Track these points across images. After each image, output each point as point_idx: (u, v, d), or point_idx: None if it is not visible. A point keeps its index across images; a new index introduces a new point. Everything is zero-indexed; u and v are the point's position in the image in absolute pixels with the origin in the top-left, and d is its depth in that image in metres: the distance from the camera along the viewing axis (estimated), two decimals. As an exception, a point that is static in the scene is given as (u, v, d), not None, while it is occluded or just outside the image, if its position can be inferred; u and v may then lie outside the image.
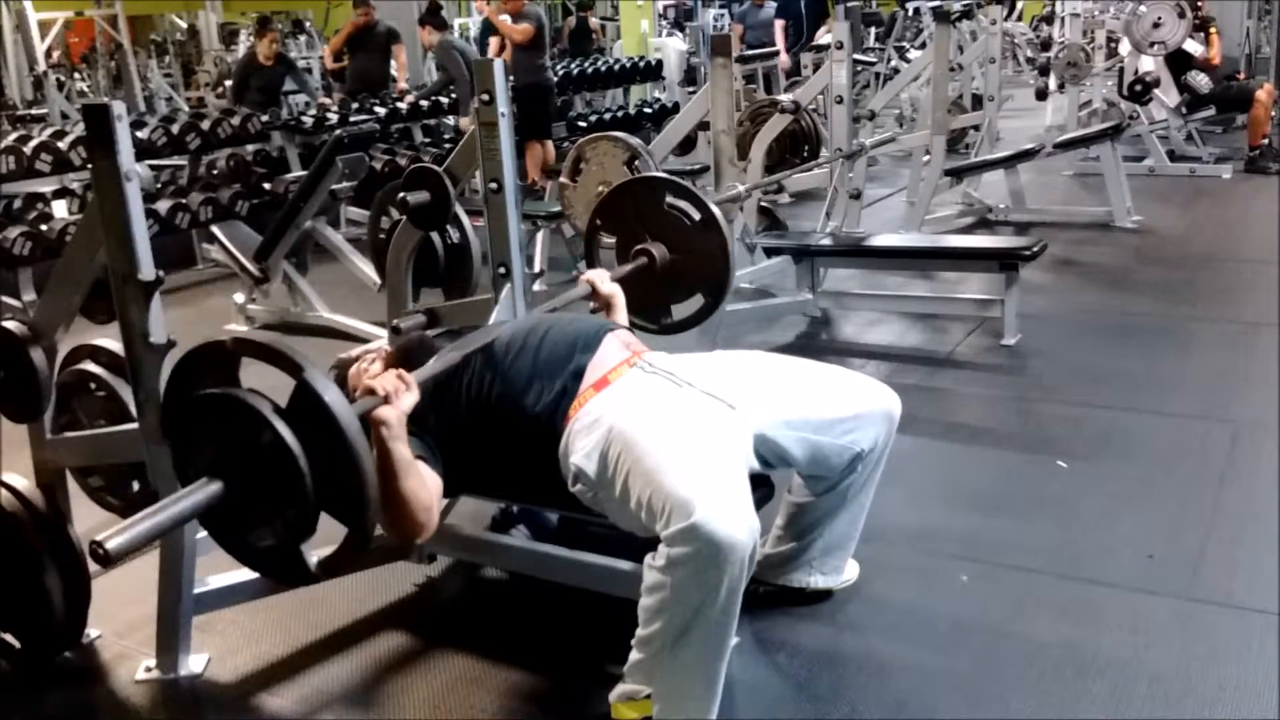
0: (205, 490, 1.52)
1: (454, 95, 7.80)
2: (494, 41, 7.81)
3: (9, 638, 2.30)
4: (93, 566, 2.29)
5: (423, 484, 1.81)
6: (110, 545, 1.41)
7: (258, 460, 1.51)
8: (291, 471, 1.49)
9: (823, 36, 8.47)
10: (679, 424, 1.89)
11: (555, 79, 8.01)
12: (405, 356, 2.16)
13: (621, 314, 2.39)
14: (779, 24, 9.31)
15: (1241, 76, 7.92)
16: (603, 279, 2.42)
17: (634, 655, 1.82)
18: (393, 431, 1.74)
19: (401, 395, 1.76)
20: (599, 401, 1.95)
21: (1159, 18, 6.71)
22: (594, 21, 13.13)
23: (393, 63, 8.38)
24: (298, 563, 1.59)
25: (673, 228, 2.63)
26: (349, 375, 2.16)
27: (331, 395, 1.52)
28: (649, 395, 1.97)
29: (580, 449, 1.91)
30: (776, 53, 9.10)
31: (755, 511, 1.76)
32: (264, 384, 1.59)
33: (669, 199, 2.63)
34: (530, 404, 1.98)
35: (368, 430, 1.67)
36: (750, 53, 8.64)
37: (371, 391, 1.75)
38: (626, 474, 1.82)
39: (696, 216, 2.61)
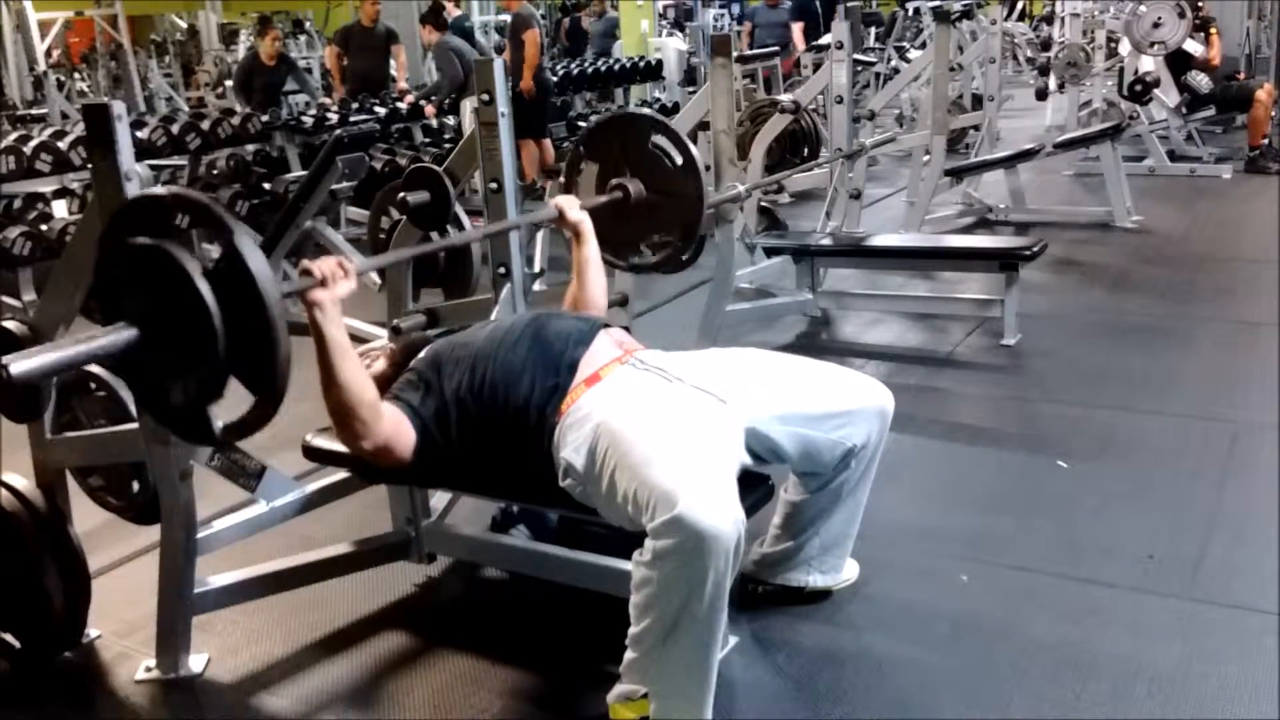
0: (120, 334, 1.56)
1: (452, 95, 7.81)
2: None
3: (9, 638, 2.30)
4: (93, 566, 2.31)
5: (361, 372, 1.85)
6: (13, 368, 1.44)
7: (174, 314, 1.54)
8: (205, 328, 1.52)
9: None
10: (666, 418, 1.89)
11: (554, 79, 8.01)
12: (408, 355, 2.16)
13: (590, 243, 2.38)
14: (797, 27, 9.23)
15: (1241, 76, 7.92)
16: (571, 205, 2.40)
17: (628, 654, 1.82)
18: (326, 314, 1.77)
19: (338, 280, 1.79)
20: (590, 397, 1.95)
21: (1159, 18, 6.71)
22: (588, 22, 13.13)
23: (392, 63, 8.40)
24: (204, 423, 1.62)
25: (653, 167, 2.61)
26: None
27: (256, 261, 1.53)
28: (639, 391, 1.97)
29: (570, 443, 1.91)
30: (776, 53, 9.09)
31: (747, 508, 1.76)
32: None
33: (654, 138, 2.61)
34: (523, 398, 1.98)
35: None
36: (750, 53, 8.63)
37: (308, 273, 1.77)
38: (613, 468, 1.83)
39: (678, 160, 2.59)
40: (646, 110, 2.94)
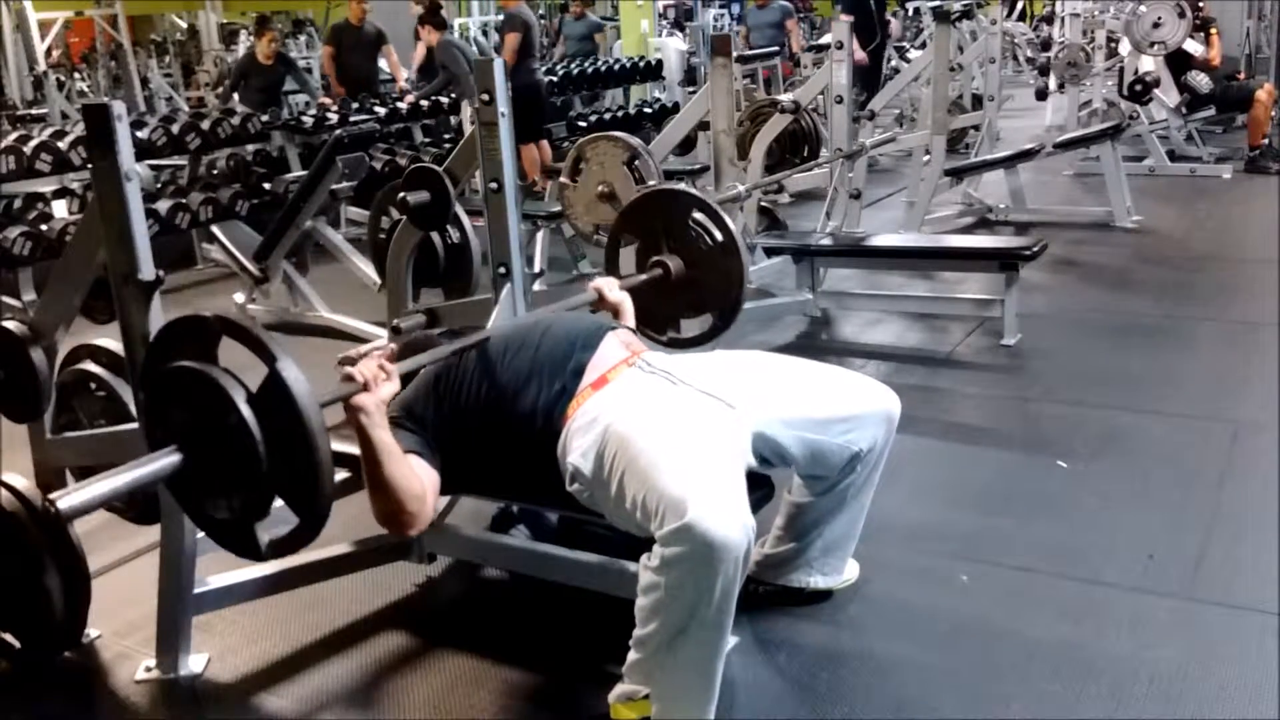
0: (165, 460, 1.58)
1: (454, 94, 7.80)
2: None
3: (9, 638, 2.29)
4: (93, 566, 2.31)
5: (410, 472, 1.82)
6: (62, 505, 1.44)
7: (220, 440, 1.56)
8: (249, 456, 1.54)
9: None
10: (675, 423, 1.89)
11: (545, 80, 7.99)
12: (409, 354, 2.16)
13: (628, 323, 2.38)
14: (846, 19, 9.03)
15: (1241, 76, 7.92)
16: (611, 287, 2.41)
17: (632, 655, 1.82)
18: (371, 419, 1.75)
19: (380, 383, 1.77)
20: (597, 401, 1.95)
21: (1159, 18, 6.71)
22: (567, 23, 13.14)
23: (383, 63, 8.38)
24: (250, 539, 1.64)
25: (693, 244, 2.63)
26: None
27: (299, 387, 1.54)
28: (646, 395, 1.97)
29: (577, 448, 1.91)
30: (777, 53, 9.08)
31: (751, 510, 1.75)
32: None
33: (695, 214, 2.63)
34: (529, 402, 1.98)
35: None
36: (750, 53, 8.63)
37: (350, 379, 1.76)
38: (622, 474, 1.82)
39: (719, 237, 2.61)
40: (685, 187, 2.95)
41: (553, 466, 1.96)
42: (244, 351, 1.59)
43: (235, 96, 7.93)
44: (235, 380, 1.56)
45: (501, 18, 7.89)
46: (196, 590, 2.21)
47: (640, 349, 2.12)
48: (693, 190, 2.85)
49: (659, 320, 2.69)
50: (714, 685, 1.81)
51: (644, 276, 2.59)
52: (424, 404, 2.02)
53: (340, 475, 2.43)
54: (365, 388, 1.75)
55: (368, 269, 4.72)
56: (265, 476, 1.55)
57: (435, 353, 2.01)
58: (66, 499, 1.44)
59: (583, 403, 1.96)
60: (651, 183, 3.70)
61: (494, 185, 2.50)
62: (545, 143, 7.24)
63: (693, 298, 2.67)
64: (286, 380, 1.54)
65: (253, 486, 1.57)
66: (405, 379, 1.98)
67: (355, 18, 7.99)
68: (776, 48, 9.15)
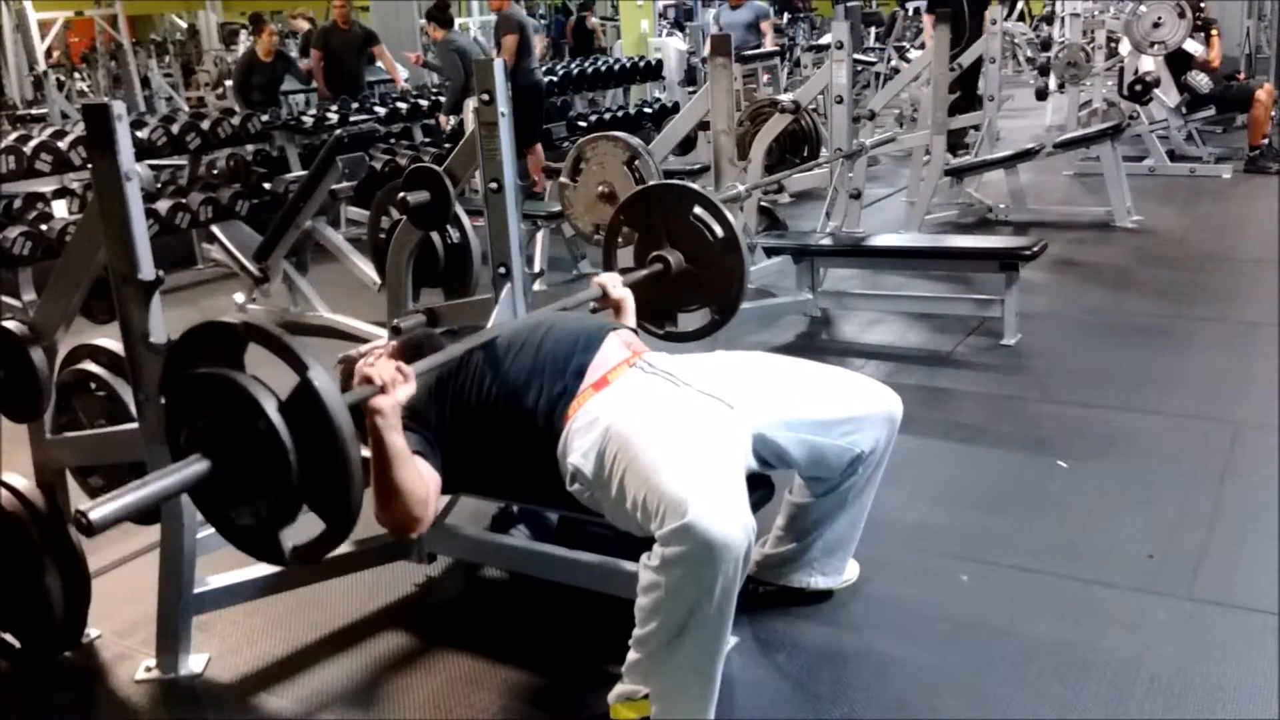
0: (193, 468, 1.56)
1: (438, 94, 7.79)
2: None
3: (9, 638, 2.30)
4: (93, 566, 2.31)
5: (418, 476, 1.82)
6: (94, 516, 1.43)
7: (249, 448, 1.54)
8: (280, 464, 1.52)
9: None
10: (675, 423, 1.89)
11: (544, 81, 7.98)
12: (410, 352, 2.16)
13: (629, 318, 2.40)
14: (928, 18, 8.50)
15: (1241, 76, 7.92)
16: (614, 283, 2.42)
17: (631, 655, 1.82)
18: (388, 421, 1.74)
19: (398, 386, 1.76)
20: (598, 401, 1.95)
21: (1159, 18, 6.71)
22: (593, 21, 13.15)
23: (369, 64, 8.35)
24: (274, 546, 1.63)
25: (693, 239, 2.63)
26: (355, 372, 2.16)
27: (330, 397, 1.53)
28: (647, 395, 1.97)
29: (578, 448, 1.91)
30: (776, 53, 9.07)
31: (751, 510, 1.76)
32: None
33: (696, 210, 2.63)
34: (530, 402, 1.98)
35: (360, 421, 1.68)
36: (750, 53, 8.63)
37: (368, 380, 1.76)
38: (623, 474, 1.82)
39: (720, 233, 2.61)
40: (687, 183, 2.95)
41: (553, 467, 1.96)
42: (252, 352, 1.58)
43: (239, 98, 7.92)
44: (265, 388, 1.54)
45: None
46: (196, 590, 2.21)
47: (642, 350, 2.12)
48: (693, 185, 2.85)
49: (657, 314, 2.68)
50: (714, 685, 1.81)
51: (645, 271, 2.59)
52: (427, 404, 2.02)
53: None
54: (383, 390, 1.75)
55: (368, 269, 4.72)
56: (296, 485, 1.53)
57: (449, 352, 2.00)
58: (98, 510, 1.43)
59: (584, 403, 1.96)
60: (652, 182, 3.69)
61: (494, 185, 2.50)
62: (539, 146, 7.20)
63: (692, 293, 2.66)
64: (318, 389, 1.53)
65: (282, 494, 1.56)
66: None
67: (340, 19, 7.95)
68: (775, 48, 9.15)
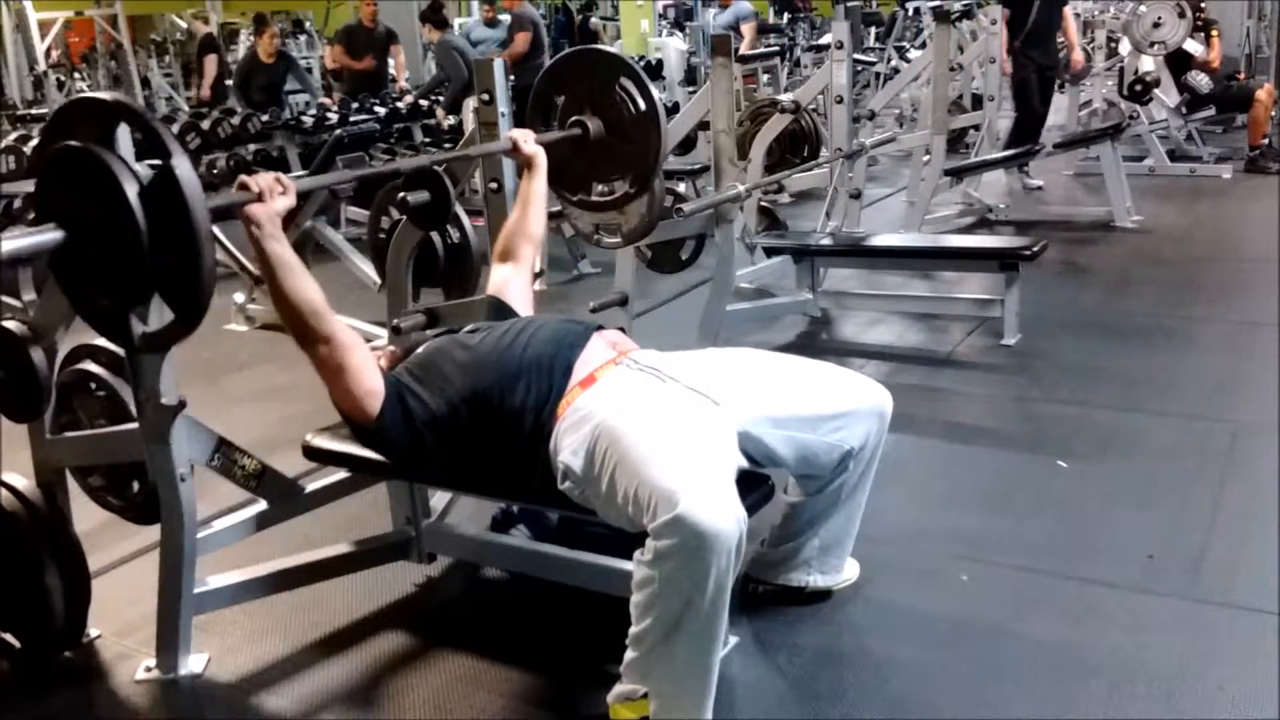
0: (46, 235, 1.61)
1: (439, 96, 7.81)
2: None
3: (9, 638, 2.29)
4: (93, 566, 2.31)
5: (311, 287, 1.85)
6: None
7: (103, 224, 1.58)
8: (131, 243, 1.56)
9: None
10: (663, 418, 1.89)
11: None
12: (408, 355, 2.16)
13: (540, 177, 2.39)
14: (748, 27, 8.90)
15: (1241, 76, 7.92)
16: (526, 138, 2.40)
17: (629, 654, 1.82)
18: (264, 230, 1.78)
19: (275, 195, 1.78)
20: (586, 399, 1.95)
21: (1159, 18, 6.71)
22: (595, 21, 13.15)
23: (391, 62, 8.42)
24: (125, 328, 1.68)
25: (616, 109, 2.57)
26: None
27: (190, 186, 1.56)
28: (635, 391, 1.97)
29: (568, 446, 1.91)
30: (777, 53, 9.06)
31: (748, 507, 1.76)
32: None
33: (621, 80, 2.58)
34: (519, 401, 1.98)
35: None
36: (750, 53, 8.62)
37: (245, 187, 1.77)
38: (613, 469, 1.82)
39: (642, 106, 2.56)
40: (619, 51, 2.92)
41: (544, 465, 1.96)
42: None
43: (241, 99, 7.94)
44: (128, 169, 1.57)
45: (506, 18, 7.86)
46: (196, 590, 2.20)
47: (628, 348, 2.12)
48: (623, 56, 2.82)
49: (572, 181, 2.66)
50: (711, 681, 1.81)
51: (561, 134, 2.56)
52: (415, 397, 2.02)
53: (338, 475, 2.44)
54: (260, 199, 1.76)
55: (368, 269, 4.72)
56: (146, 266, 1.57)
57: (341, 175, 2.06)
58: None
59: (572, 401, 1.96)
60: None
61: (494, 185, 2.50)
62: None
63: (609, 163, 2.63)
64: (180, 176, 1.55)
65: (132, 274, 1.59)
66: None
67: (367, 19, 8.02)
68: (776, 48, 9.15)
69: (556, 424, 1.95)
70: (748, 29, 9.17)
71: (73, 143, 1.61)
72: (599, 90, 2.58)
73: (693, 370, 2.04)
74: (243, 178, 1.79)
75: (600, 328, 2.17)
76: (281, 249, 1.81)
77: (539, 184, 2.39)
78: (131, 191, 1.55)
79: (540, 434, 1.96)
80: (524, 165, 2.40)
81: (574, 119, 2.58)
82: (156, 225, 1.55)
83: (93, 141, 1.61)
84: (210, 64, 8.38)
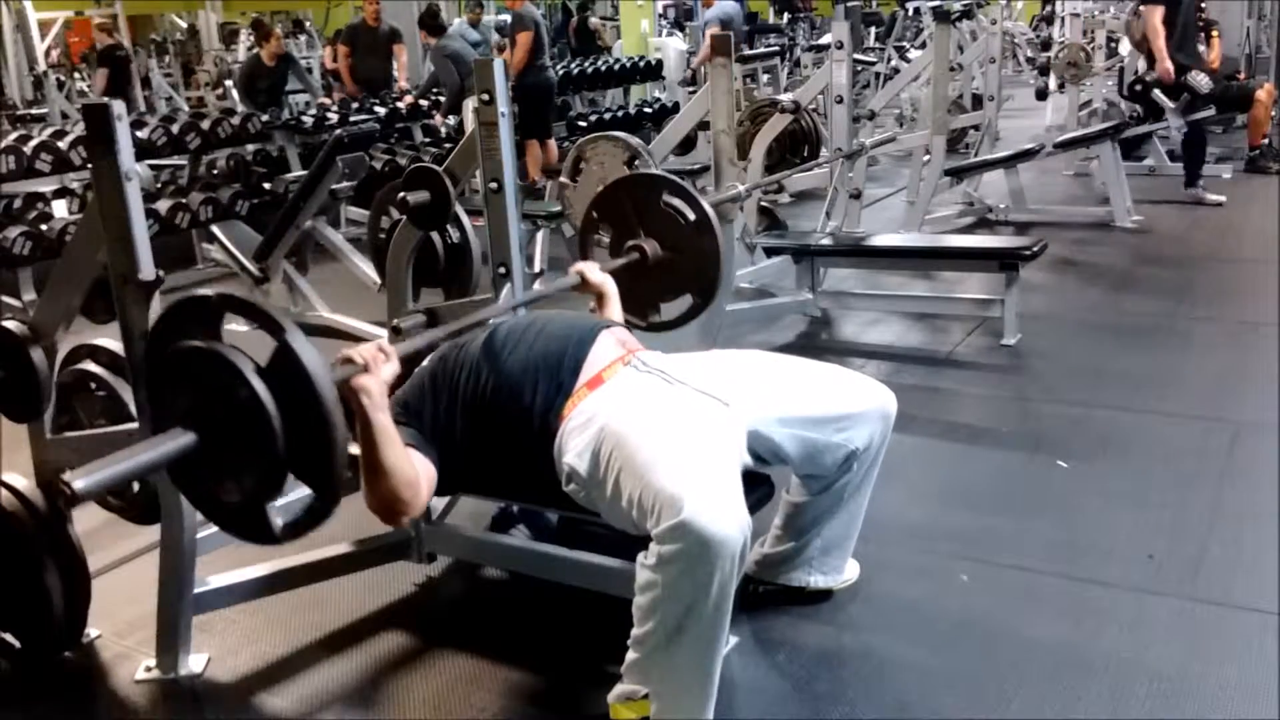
0: (178, 440, 1.54)
1: (436, 98, 7.83)
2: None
3: (9, 638, 2.29)
4: (93, 566, 2.31)
5: (406, 459, 1.82)
6: (77, 485, 1.42)
7: (233, 415, 1.52)
8: (265, 429, 1.50)
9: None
10: (670, 421, 1.89)
11: (555, 78, 8.01)
12: (411, 354, 2.16)
13: (615, 306, 2.40)
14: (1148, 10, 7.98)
15: (1241, 76, 7.91)
16: (592, 269, 2.42)
17: (630, 655, 1.82)
18: (373, 400, 1.74)
19: (380, 364, 1.76)
20: (592, 400, 1.95)
21: (1159, 18, 6.69)
22: (595, 21, 13.15)
23: (393, 62, 8.43)
24: (262, 521, 1.60)
25: (667, 226, 2.62)
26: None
27: (310, 357, 1.52)
28: (641, 394, 1.97)
29: (573, 448, 1.91)
30: (779, 53, 9.07)
31: (751, 510, 1.76)
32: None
33: (665, 197, 2.63)
34: (525, 402, 1.98)
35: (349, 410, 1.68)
36: (750, 52, 8.63)
37: (350, 361, 1.75)
38: (618, 472, 1.82)
39: (691, 217, 2.61)
40: (656, 170, 2.93)
41: (549, 466, 1.96)
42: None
43: (247, 102, 7.95)
44: (243, 354, 1.53)
45: (508, 19, 7.88)
46: (196, 590, 2.21)
47: (636, 348, 2.12)
48: (660, 172, 2.84)
49: (640, 304, 2.68)
50: (712, 684, 1.81)
51: (622, 260, 2.58)
52: (419, 400, 2.02)
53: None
54: (365, 369, 1.74)
55: (368, 269, 4.72)
56: (281, 449, 1.51)
57: (433, 334, 2.01)
58: (82, 479, 1.42)
59: (579, 402, 1.96)
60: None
61: (494, 185, 2.50)
62: (552, 142, 7.25)
63: (671, 279, 2.66)
64: (296, 350, 1.51)
65: (268, 461, 1.53)
66: (406, 367, 1.97)
67: (371, 18, 8.03)
68: (776, 48, 9.15)
69: (563, 425, 1.95)
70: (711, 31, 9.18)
71: (195, 343, 1.57)
72: (645, 212, 2.63)
73: (701, 372, 2.04)
74: (346, 351, 1.76)
75: (608, 325, 2.17)
76: (387, 420, 1.76)
77: (615, 310, 2.39)
78: (252, 375, 1.50)
79: (546, 434, 1.96)
80: (597, 300, 2.41)
81: (629, 244, 2.62)
82: (282, 404, 1.51)
83: (202, 339, 1.57)
84: (101, 78, 8.44)
